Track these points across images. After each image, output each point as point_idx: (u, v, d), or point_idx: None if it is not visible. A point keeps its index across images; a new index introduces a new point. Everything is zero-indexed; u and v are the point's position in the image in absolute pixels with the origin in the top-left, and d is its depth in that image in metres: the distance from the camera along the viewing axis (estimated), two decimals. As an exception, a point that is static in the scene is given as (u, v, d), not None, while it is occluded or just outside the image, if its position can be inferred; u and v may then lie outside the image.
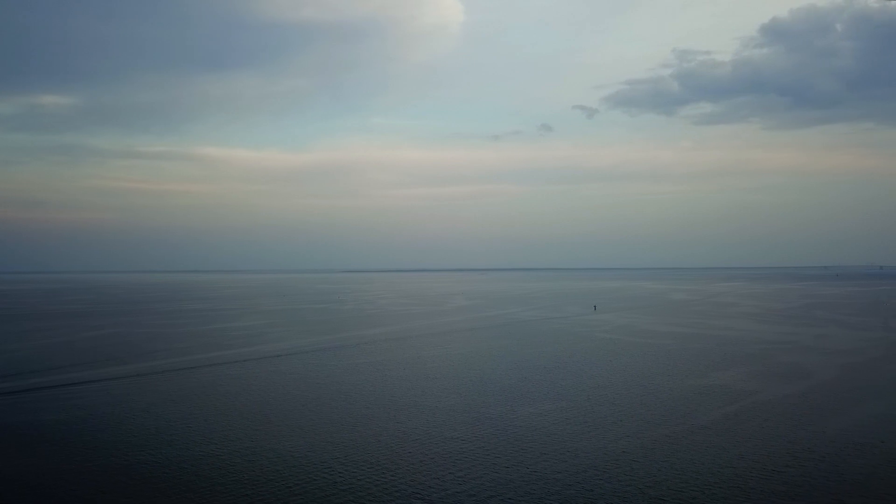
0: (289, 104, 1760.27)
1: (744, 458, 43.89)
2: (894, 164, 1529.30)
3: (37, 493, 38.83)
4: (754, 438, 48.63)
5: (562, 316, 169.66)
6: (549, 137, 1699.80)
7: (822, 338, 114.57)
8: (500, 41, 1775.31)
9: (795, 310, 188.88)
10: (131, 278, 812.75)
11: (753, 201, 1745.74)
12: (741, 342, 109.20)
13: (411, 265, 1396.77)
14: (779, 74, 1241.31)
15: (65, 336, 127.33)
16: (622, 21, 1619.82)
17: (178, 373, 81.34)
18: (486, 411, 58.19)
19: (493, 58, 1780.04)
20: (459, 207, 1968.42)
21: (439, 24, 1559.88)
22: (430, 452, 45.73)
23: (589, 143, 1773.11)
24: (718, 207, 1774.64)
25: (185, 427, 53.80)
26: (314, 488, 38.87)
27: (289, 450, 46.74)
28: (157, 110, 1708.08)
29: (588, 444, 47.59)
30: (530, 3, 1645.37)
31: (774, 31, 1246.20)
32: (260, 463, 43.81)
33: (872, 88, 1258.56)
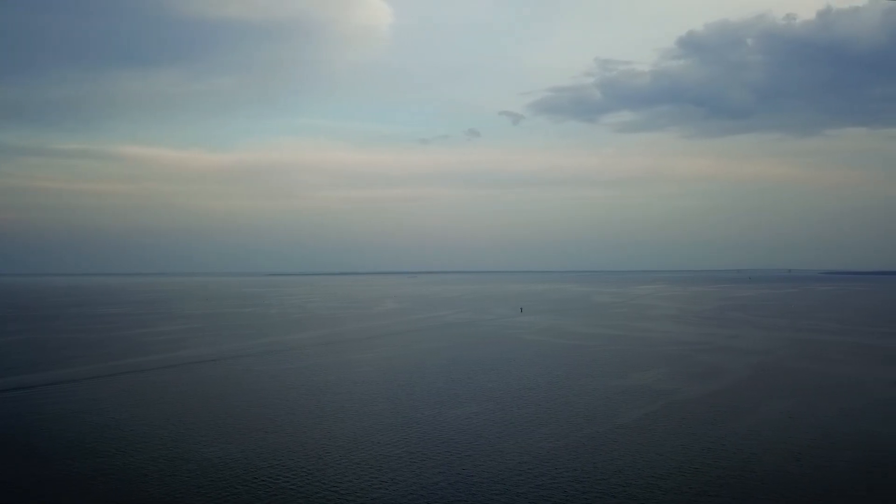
0: (214, 103, 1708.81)
1: (663, 456, 45.35)
2: (801, 173, 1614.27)
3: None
4: (673, 437, 50.34)
5: (489, 318, 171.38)
6: (476, 142, 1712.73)
7: (736, 338, 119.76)
8: (429, 45, 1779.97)
9: (712, 311, 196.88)
10: (44, 282, 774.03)
11: (673, 207, 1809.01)
12: (661, 343, 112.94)
13: (340, 268, 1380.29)
14: (695, 85, 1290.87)
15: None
16: (547, 29, 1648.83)
17: (94, 381, 77.86)
18: (413, 415, 58.13)
19: (422, 61, 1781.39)
20: (388, 210, 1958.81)
21: (368, 26, 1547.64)
22: (356, 458, 45.31)
23: (515, 149, 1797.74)
24: (640, 213, 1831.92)
25: (98, 438, 51.50)
26: (235, 497, 37.88)
27: (210, 458, 45.42)
28: (72, 106, 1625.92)
29: (514, 445, 48.17)
30: (457, 9, 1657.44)
31: (691, 44, 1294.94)
32: (179, 472, 42.37)
33: (781, 101, 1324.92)
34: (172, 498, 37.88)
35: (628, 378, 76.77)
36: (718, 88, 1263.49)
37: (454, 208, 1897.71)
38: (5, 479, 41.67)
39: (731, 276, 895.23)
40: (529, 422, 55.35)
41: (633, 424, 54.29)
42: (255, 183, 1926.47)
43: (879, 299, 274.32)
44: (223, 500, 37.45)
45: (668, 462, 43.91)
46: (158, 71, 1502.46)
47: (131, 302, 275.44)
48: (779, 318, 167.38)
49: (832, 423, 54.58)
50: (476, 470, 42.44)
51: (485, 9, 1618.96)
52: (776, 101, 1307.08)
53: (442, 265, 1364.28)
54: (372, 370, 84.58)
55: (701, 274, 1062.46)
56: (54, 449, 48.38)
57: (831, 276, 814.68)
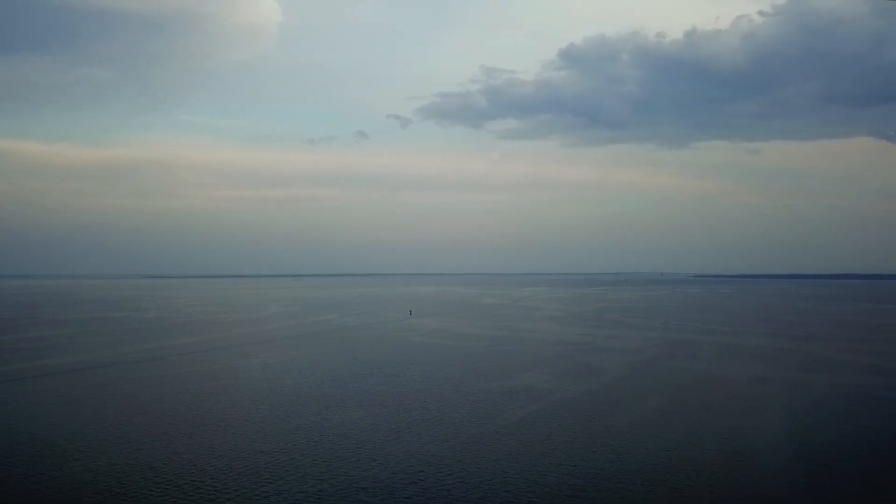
0: (87, 95, 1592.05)
1: (545, 454, 46.74)
2: (672, 182, 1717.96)
3: None
4: (554, 435, 52.00)
5: (378, 321, 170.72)
6: (364, 144, 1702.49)
7: (614, 339, 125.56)
8: (317, 45, 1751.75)
9: (591, 313, 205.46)
10: None
11: (555, 212, 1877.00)
12: (545, 344, 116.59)
13: (222, 271, 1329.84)
14: (575, 96, 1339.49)
15: None
16: (435, 35, 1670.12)
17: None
18: (299, 422, 56.86)
19: (310, 61, 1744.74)
20: (273, 211, 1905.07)
21: (255, 23, 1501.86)
22: (236, 468, 43.72)
23: (404, 152, 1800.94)
24: (524, 217, 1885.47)
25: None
26: (105, 515, 35.55)
27: (73, 474, 42.37)
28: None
29: (401, 448, 48.12)
30: (347, 11, 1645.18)
31: (570, 56, 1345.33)
32: (37, 490, 39.29)
33: (653, 114, 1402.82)
34: (31, 519, 35.05)
35: (513, 378, 78.63)
36: (596, 100, 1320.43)
37: (341, 210, 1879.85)
38: None
39: (609, 278, 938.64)
40: (417, 424, 55.49)
41: (517, 424, 55.64)
42: (132, 180, 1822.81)
43: (741, 301, 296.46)
44: (90, 519, 35.06)
45: (549, 460, 45.29)
46: (24, 58, 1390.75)
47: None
48: (652, 319, 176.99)
49: (699, 418, 58.29)
50: (362, 475, 42.05)
51: (374, 12, 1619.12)
52: (649, 113, 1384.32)
53: (328, 268, 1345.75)
54: (255, 377, 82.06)
55: (581, 277, 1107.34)
56: None
57: (700, 279, 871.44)
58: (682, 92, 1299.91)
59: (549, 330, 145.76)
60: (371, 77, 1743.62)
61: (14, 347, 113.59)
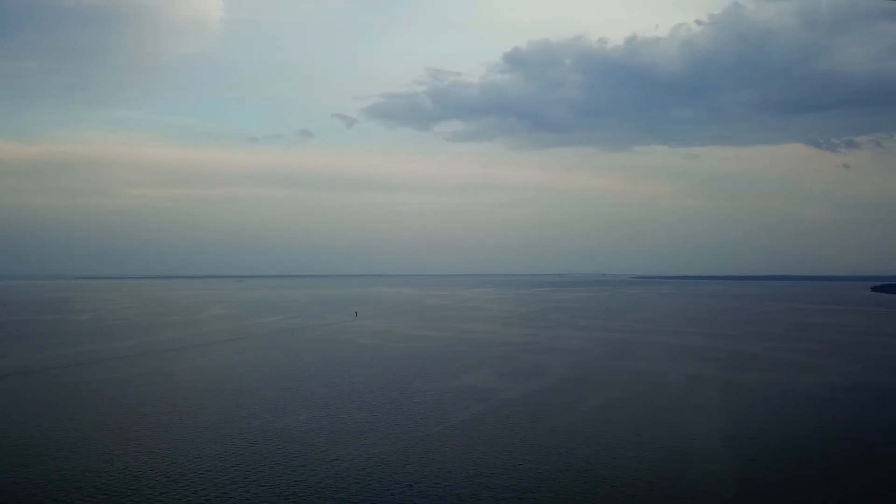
0: (15, 88, 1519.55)
1: (488, 454, 47.14)
2: (614, 185, 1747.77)
3: None
4: (498, 435, 52.50)
5: (323, 323, 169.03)
6: (309, 143, 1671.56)
7: (557, 339, 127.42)
8: (260, 42, 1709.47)
9: (535, 313, 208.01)
10: None
11: (500, 214, 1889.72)
12: (489, 344, 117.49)
13: (159, 272, 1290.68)
14: (519, 99, 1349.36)
15: None
16: (380, 36, 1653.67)
17: None
18: (242, 425, 55.86)
19: (253, 58, 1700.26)
20: (213, 210, 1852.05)
21: (196, 18, 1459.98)
22: (176, 473, 42.63)
23: (349, 152, 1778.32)
24: (470, 218, 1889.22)
25: None
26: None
27: (5, 484, 40.66)
28: None
29: (346, 450, 47.81)
30: (293, 8, 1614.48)
31: (515, 60, 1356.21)
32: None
33: (595, 118, 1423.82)
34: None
35: (458, 379, 78.98)
36: (540, 103, 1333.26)
37: (284, 210, 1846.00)
38: None
39: (552, 279, 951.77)
40: (362, 427, 55.21)
41: (462, 425, 55.94)
42: (64, 178, 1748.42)
43: (680, 302, 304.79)
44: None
45: (494, 461, 45.67)
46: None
47: None
48: (594, 320, 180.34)
49: (641, 417, 59.71)
50: (306, 479, 41.61)
51: (319, 10, 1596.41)
52: (591, 117, 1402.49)
53: (271, 269, 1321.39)
54: (197, 380, 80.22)
55: (524, 277, 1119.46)
56: None
57: (640, 280, 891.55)
58: (624, 97, 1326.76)
59: (494, 331, 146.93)
60: (315, 75, 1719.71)
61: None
